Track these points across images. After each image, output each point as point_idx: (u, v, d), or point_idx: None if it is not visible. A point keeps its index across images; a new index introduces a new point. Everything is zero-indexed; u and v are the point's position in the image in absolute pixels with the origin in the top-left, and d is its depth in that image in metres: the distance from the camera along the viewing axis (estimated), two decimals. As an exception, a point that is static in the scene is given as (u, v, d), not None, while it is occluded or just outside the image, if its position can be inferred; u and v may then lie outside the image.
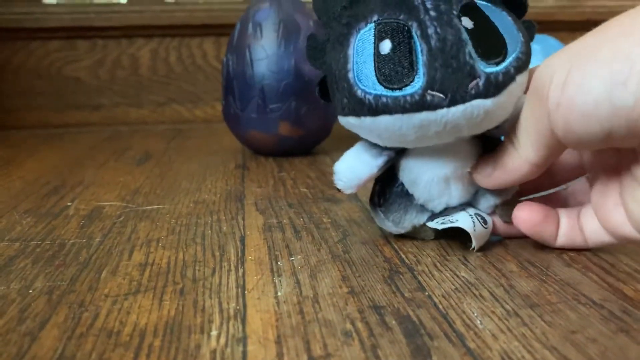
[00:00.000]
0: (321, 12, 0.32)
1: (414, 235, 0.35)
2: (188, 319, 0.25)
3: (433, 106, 0.26)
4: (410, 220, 0.34)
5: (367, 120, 0.28)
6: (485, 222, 0.33)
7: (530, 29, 0.30)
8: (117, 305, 0.27)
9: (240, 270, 0.31)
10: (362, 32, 0.29)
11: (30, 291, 0.28)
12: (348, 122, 0.30)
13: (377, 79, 0.27)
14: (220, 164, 0.58)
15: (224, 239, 0.36)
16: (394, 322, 0.25)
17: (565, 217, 0.32)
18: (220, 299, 0.27)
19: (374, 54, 0.28)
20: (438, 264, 0.31)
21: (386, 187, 0.34)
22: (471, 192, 0.33)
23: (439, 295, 0.27)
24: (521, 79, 0.28)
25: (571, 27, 0.89)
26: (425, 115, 0.27)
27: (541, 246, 0.33)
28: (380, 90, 0.27)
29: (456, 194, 0.33)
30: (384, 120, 0.28)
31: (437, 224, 0.33)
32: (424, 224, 0.34)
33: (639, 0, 0.65)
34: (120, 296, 0.28)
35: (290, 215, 0.41)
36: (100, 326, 0.25)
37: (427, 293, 0.27)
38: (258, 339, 0.23)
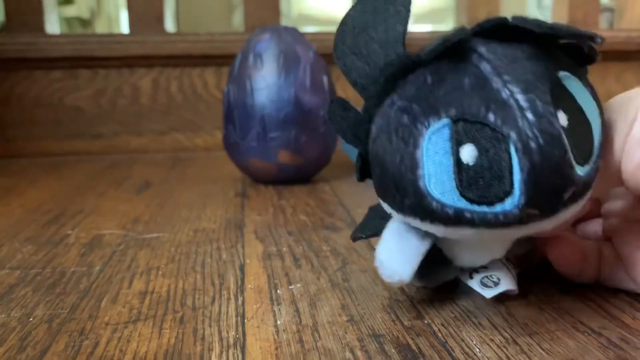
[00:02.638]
0: (350, 70, 0.27)
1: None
2: (188, 347, 0.25)
3: (525, 222, 0.23)
4: (442, 277, 0.30)
5: (441, 227, 0.24)
6: (513, 265, 0.30)
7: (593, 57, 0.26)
8: (117, 333, 0.27)
9: (240, 299, 0.31)
10: (433, 129, 0.23)
11: (31, 319, 0.28)
12: (408, 220, 0.25)
13: (459, 192, 0.22)
14: (220, 192, 0.59)
15: (224, 267, 0.36)
16: (393, 350, 0.25)
17: (604, 257, 0.30)
18: (220, 328, 0.27)
19: (454, 162, 0.22)
20: (437, 292, 0.31)
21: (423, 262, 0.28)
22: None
23: (438, 324, 0.27)
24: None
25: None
26: (515, 230, 0.23)
27: (540, 274, 0.33)
28: (464, 204, 0.23)
29: (498, 256, 0.29)
30: (465, 232, 0.24)
31: (479, 287, 0.28)
32: (458, 278, 0.30)
33: None
34: (120, 324, 0.28)
35: (289, 243, 0.41)
36: (101, 354, 0.25)
37: (426, 321, 0.27)
38: (258, 367, 0.23)
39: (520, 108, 0.22)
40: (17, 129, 0.88)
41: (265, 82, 0.58)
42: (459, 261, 0.29)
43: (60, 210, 0.52)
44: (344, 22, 0.28)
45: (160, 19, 0.90)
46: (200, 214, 0.50)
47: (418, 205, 0.24)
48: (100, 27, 2.43)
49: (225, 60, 0.86)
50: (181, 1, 2.21)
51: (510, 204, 0.22)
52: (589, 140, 0.24)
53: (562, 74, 0.24)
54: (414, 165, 0.23)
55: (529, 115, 0.22)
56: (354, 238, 0.31)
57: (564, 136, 0.22)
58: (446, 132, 0.23)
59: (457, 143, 0.22)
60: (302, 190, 0.60)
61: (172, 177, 0.69)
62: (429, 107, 0.23)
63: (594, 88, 0.26)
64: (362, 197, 0.55)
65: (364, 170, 0.28)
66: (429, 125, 0.23)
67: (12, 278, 0.34)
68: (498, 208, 0.22)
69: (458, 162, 0.22)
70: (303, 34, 0.63)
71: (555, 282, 0.32)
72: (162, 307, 0.30)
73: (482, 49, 0.23)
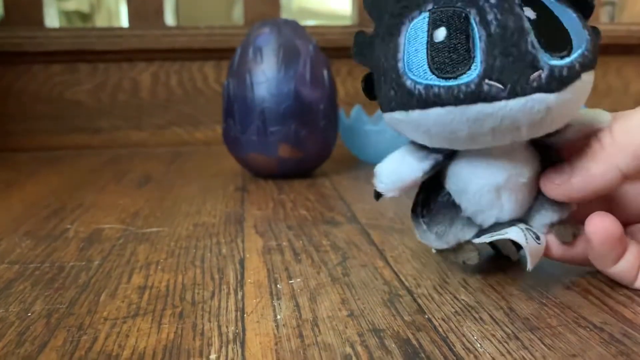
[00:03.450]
0: (372, 7, 0.30)
1: (455, 258, 0.31)
2: (187, 342, 0.25)
3: (490, 97, 0.24)
4: (456, 234, 0.31)
5: (416, 113, 0.26)
6: (538, 238, 0.30)
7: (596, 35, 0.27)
8: (116, 328, 0.27)
9: (240, 293, 0.31)
10: (415, 20, 0.26)
11: (29, 314, 0.28)
12: (393, 118, 0.28)
13: (429, 67, 0.25)
14: (220, 187, 0.59)
15: (224, 262, 0.36)
16: (393, 345, 0.24)
17: (632, 247, 0.29)
18: (220, 322, 0.27)
19: (427, 42, 0.25)
20: (438, 287, 0.31)
21: (431, 196, 0.31)
22: (524, 207, 0.30)
23: (438, 319, 0.27)
24: (587, 77, 0.26)
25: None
26: (480, 108, 0.24)
27: (541, 269, 0.33)
28: (432, 79, 0.25)
29: (508, 207, 0.30)
30: (435, 113, 0.25)
31: (485, 238, 0.30)
32: (470, 241, 0.31)
33: None
34: (119, 319, 0.28)
35: (289, 237, 0.41)
36: (99, 349, 0.25)
37: (427, 316, 0.27)
38: (257, 362, 0.23)
39: None
40: (16, 123, 0.88)
41: (265, 76, 0.57)
42: (465, 202, 0.30)
43: (60, 205, 0.52)
44: None
45: (160, 12, 0.89)
46: (200, 209, 0.49)
47: (398, 89, 0.26)
48: (100, 21, 2.42)
49: (225, 54, 0.86)
50: (181, -5, 2.20)
51: (471, 74, 0.24)
52: (563, 40, 0.25)
53: None
54: (396, 51, 0.26)
55: (492, 0, 0.25)
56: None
57: (524, 18, 0.24)
58: (425, 21, 0.26)
59: (432, 27, 0.26)
60: (302, 184, 0.59)
61: (172, 171, 0.69)
62: (414, 5, 0.27)
63: (595, 27, 0.27)
64: (362, 192, 0.55)
65: (369, 85, 0.30)
66: (412, 18, 0.26)
67: (10, 272, 0.34)
68: (462, 79, 0.24)
69: (431, 42, 0.25)
70: (303, 28, 0.62)
71: (556, 278, 0.32)
72: (161, 302, 0.30)
73: None
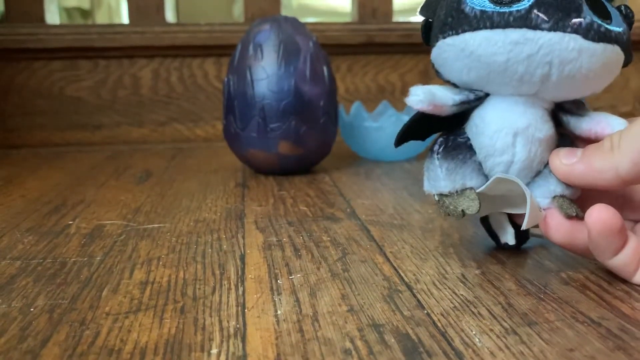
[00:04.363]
0: None
1: (455, 206, 0.31)
2: (188, 337, 0.25)
3: (535, 25, 0.28)
4: (463, 176, 0.32)
5: (466, 35, 0.29)
6: (539, 206, 0.31)
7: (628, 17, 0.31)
8: (118, 323, 0.27)
9: (240, 289, 0.31)
10: None
11: (32, 309, 0.29)
12: (444, 44, 0.31)
13: None
14: (220, 183, 0.59)
15: (224, 258, 0.36)
16: (393, 340, 0.25)
17: (632, 240, 0.29)
18: (221, 317, 0.27)
19: None
20: (437, 282, 0.31)
21: (450, 136, 0.32)
22: (533, 166, 0.32)
23: (437, 314, 0.27)
24: (618, 55, 0.30)
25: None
26: (524, 32, 0.28)
27: (539, 264, 0.33)
28: (489, 6, 0.29)
29: (519, 156, 0.31)
30: (483, 34, 0.29)
31: (491, 178, 0.31)
32: (473, 189, 0.31)
33: None
34: (121, 314, 0.28)
35: (290, 233, 0.41)
36: (102, 344, 0.25)
37: (426, 311, 0.28)
38: (258, 357, 0.24)
39: None
40: (17, 119, 0.88)
41: (265, 73, 0.58)
42: (480, 143, 0.32)
43: (61, 201, 0.52)
44: None
45: (160, 9, 0.90)
46: (201, 205, 0.50)
47: (457, 14, 0.30)
48: (101, 18, 2.42)
49: (226, 50, 0.86)
50: (181, -9, 2.20)
51: (524, 4, 0.28)
52: (605, 14, 0.29)
53: None
54: None
55: None
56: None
57: None
58: None
59: None
60: (302, 180, 0.60)
61: (173, 167, 0.69)
62: None
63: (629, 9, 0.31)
64: (362, 188, 0.55)
65: (427, 31, 0.33)
66: None
67: (13, 268, 0.35)
68: (514, 7, 0.28)
69: None
70: (303, 25, 0.62)
71: (554, 273, 0.32)
72: (163, 297, 0.30)
73: None
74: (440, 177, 0.32)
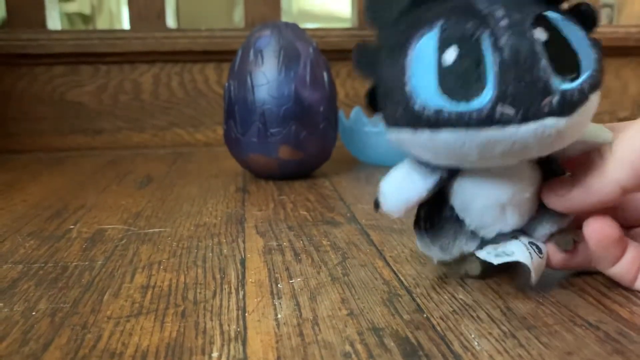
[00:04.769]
0: (375, 17, 0.29)
1: (457, 269, 0.32)
2: (189, 340, 0.26)
3: (502, 122, 0.24)
4: (460, 247, 0.31)
5: (425, 135, 0.25)
6: (540, 251, 0.30)
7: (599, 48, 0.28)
8: (120, 327, 0.27)
9: (241, 293, 0.31)
10: (423, 39, 0.25)
11: (34, 313, 0.29)
12: (399, 137, 0.27)
13: (439, 90, 0.25)
14: (221, 187, 0.59)
15: (225, 262, 0.36)
16: (392, 343, 0.25)
17: (632, 248, 0.29)
18: (221, 321, 0.28)
19: (437, 64, 0.25)
20: (436, 286, 0.31)
21: (434, 210, 0.31)
22: (526, 219, 0.30)
23: (437, 317, 0.27)
24: (595, 97, 0.26)
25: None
26: (492, 133, 0.24)
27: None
28: (443, 103, 0.24)
29: (511, 221, 0.30)
30: (445, 136, 0.25)
31: (491, 256, 0.30)
32: (473, 253, 0.31)
33: None
34: (122, 318, 0.28)
35: (290, 238, 0.41)
36: (103, 348, 0.25)
37: (425, 315, 0.28)
38: (258, 360, 0.24)
39: (497, 18, 0.24)
40: (18, 124, 0.88)
41: (266, 78, 0.58)
42: (469, 217, 0.30)
43: (63, 205, 0.52)
44: None
45: (161, 15, 0.90)
46: (202, 209, 0.50)
47: (406, 110, 0.26)
48: (102, 23, 2.43)
49: (226, 56, 0.86)
50: (182, -3, 2.21)
51: (483, 98, 0.24)
52: (572, 61, 0.25)
53: (553, 14, 0.26)
54: (403, 72, 0.26)
55: (503, 22, 0.24)
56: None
57: (536, 42, 0.24)
58: (433, 40, 0.25)
59: (441, 48, 0.25)
60: (302, 185, 0.60)
61: (174, 172, 0.69)
62: (422, 23, 0.26)
63: (597, 40, 0.27)
64: (362, 192, 0.56)
65: (373, 99, 0.29)
66: (420, 36, 0.26)
67: (15, 272, 0.35)
68: (473, 104, 0.24)
69: (440, 63, 0.25)
70: (303, 30, 0.63)
71: (553, 277, 0.32)
72: (164, 301, 0.30)
73: None
74: (435, 252, 0.31)
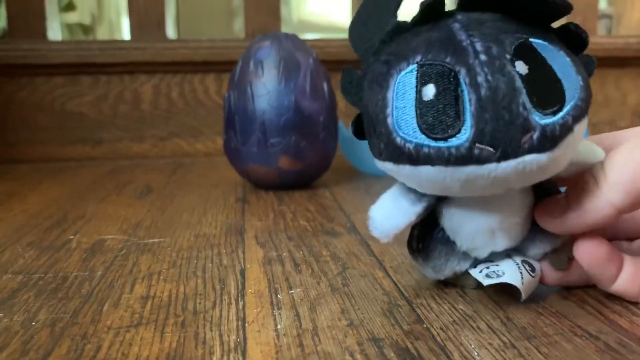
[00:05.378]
0: (358, 45, 0.30)
1: (454, 282, 0.32)
2: (189, 351, 0.26)
3: (481, 160, 0.24)
4: (452, 267, 0.31)
5: (407, 168, 0.26)
6: (533, 269, 0.30)
7: (589, 65, 0.28)
8: (119, 337, 0.27)
9: (241, 303, 0.31)
10: (403, 73, 0.26)
11: (33, 323, 0.29)
12: (385, 167, 0.28)
13: (419, 127, 0.25)
14: (220, 198, 0.59)
15: (225, 272, 0.36)
16: (392, 354, 0.25)
17: (629, 264, 0.29)
18: (221, 332, 0.27)
19: (416, 99, 0.25)
20: (436, 297, 0.31)
21: (425, 232, 0.31)
22: (518, 240, 0.30)
23: (437, 328, 0.27)
24: (579, 128, 0.25)
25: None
26: (472, 170, 0.24)
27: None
28: (422, 139, 0.25)
29: (502, 244, 0.30)
30: (426, 170, 0.25)
31: (482, 276, 0.30)
32: (467, 271, 0.31)
33: None
34: (122, 328, 0.28)
35: (290, 248, 0.41)
36: (103, 358, 0.25)
37: (425, 325, 0.28)
38: (258, 370, 0.24)
39: (476, 52, 0.24)
40: (19, 134, 0.89)
41: (266, 89, 0.58)
42: (460, 240, 0.30)
43: (62, 216, 0.52)
44: (357, 12, 0.33)
45: (161, 25, 0.90)
46: (201, 219, 0.50)
47: (388, 144, 0.26)
48: (102, 33, 2.44)
49: (226, 66, 0.86)
50: (182, 7, 2.22)
51: (462, 137, 0.24)
52: (556, 92, 0.25)
53: (536, 40, 0.26)
54: (385, 105, 0.26)
55: (482, 56, 0.24)
56: None
57: (516, 77, 0.24)
58: (413, 75, 0.25)
59: (420, 83, 0.25)
60: (302, 195, 0.60)
61: (173, 182, 0.69)
62: (402, 56, 0.26)
63: (590, 58, 0.28)
64: (362, 203, 0.56)
65: (359, 127, 0.30)
66: (400, 70, 0.26)
67: (14, 282, 0.35)
68: (452, 142, 0.24)
69: (420, 99, 0.25)
70: (303, 41, 0.63)
71: (553, 287, 0.32)
72: (164, 312, 0.30)
73: (459, 15, 0.26)
74: (429, 272, 0.32)
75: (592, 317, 0.28)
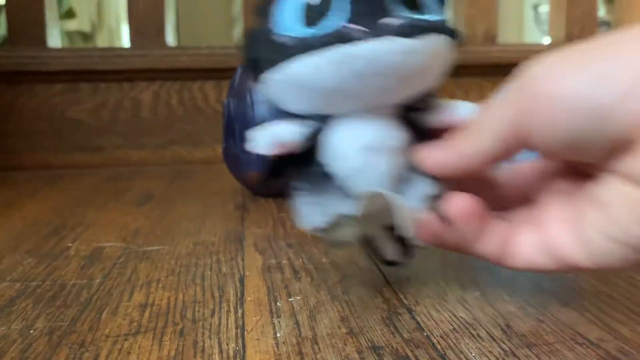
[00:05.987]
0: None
1: (334, 237, 0.29)
2: (188, 359, 0.25)
3: (350, 39, 0.26)
4: (333, 205, 0.30)
5: (291, 68, 0.28)
6: (414, 210, 0.29)
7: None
8: (118, 345, 0.27)
9: (240, 311, 0.31)
10: None
11: (32, 331, 0.29)
12: (269, 83, 0.30)
13: (299, 22, 0.28)
14: (220, 205, 0.59)
15: (224, 280, 0.36)
16: (392, 362, 0.25)
17: (498, 227, 0.28)
18: (220, 340, 0.27)
19: (302, 5, 0.28)
20: (436, 305, 0.31)
21: (306, 170, 0.32)
22: (398, 177, 0.30)
23: (437, 336, 0.27)
24: (444, 44, 0.29)
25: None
26: (345, 49, 0.26)
27: (538, 286, 0.33)
28: (299, 30, 0.28)
29: (379, 169, 0.30)
30: (303, 62, 0.27)
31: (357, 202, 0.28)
32: (348, 216, 0.29)
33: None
34: (120, 336, 0.28)
35: (289, 255, 0.41)
36: (101, 367, 0.25)
37: (425, 333, 0.28)
38: (257, 379, 0.24)
39: None
40: (18, 141, 0.89)
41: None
42: (337, 169, 0.31)
43: (61, 223, 0.52)
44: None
45: (161, 32, 0.90)
46: (200, 227, 0.50)
47: (269, 49, 0.29)
48: (102, 41, 2.44)
49: (226, 73, 0.86)
50: (182, 15, 2.23)
51: (337, 22, 0.27)
52: (419, 5, 0.28)
53: None
54: (268, 19, 0.29)
55: None
56: None
57: None
58: None
59: None
60: (302, 203, 0.60)
61: (173, 189, 0.69)
62: None
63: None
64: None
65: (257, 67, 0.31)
66: None
67: (12, 290, 0.35)
68: (324, 25, 0.27)
69: (306, 4, 0.28)
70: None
71: (553, 295, 0.32)
72: (162, 320, 0.30)
73: None
74: (310, 213, 0.31)
75: (593, 324, 0.28)
